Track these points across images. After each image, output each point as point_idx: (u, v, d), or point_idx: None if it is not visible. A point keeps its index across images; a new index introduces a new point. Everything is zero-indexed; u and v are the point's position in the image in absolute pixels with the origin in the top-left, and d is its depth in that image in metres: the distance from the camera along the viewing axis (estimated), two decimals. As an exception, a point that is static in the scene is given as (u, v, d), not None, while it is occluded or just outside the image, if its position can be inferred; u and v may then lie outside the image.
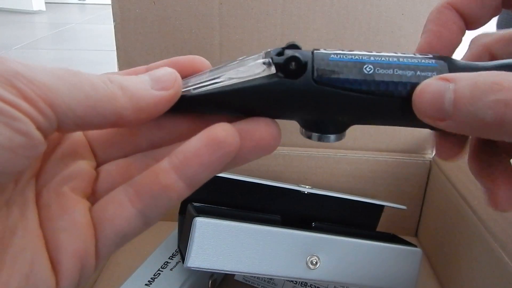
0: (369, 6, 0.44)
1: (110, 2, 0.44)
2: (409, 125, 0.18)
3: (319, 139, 0.19)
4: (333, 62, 0.17)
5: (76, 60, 1.39)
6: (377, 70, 0.17)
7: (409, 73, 0.17)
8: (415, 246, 0.39)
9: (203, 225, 0.32)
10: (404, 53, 0.18)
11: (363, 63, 0.17)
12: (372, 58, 0.17)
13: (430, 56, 0.18)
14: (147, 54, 0.45)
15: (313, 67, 0.17)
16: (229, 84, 0.17)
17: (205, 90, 0.18)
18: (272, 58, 0.17)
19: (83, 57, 1.44)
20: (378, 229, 0.46)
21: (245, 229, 0.33)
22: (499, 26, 1.59)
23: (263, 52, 0.18)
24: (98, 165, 0.19)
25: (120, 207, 0.17)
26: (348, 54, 0.17)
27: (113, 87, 0.16)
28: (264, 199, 0.41)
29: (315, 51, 0.17)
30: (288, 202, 0.41)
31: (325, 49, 0.18)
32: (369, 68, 0.17)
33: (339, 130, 0.19)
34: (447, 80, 0.15)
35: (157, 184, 0.17)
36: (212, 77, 0.18)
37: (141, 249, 0.42)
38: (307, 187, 0.42)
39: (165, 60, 0.19)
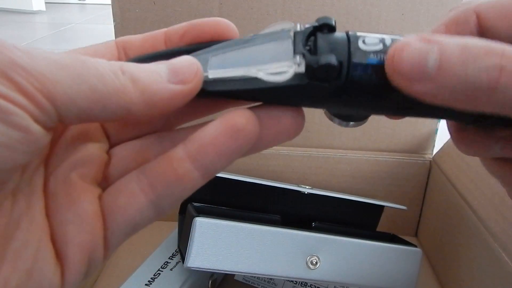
0: (369, 6, 0.44)
1: (110, 2, 0.44)
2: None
3: (340, 124, 0.18)
4: (371, 67, 0.15)
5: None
6: None
7: None
8: (415, 246, 0.39)
9: (203, 225, 0.32)
10: None
11: None
12: None
13: None
14: (147, 54, 0.45)
15: (348, 69, 0.15)
16: (252, 82, 0.16)
17: (226, 87, 0.16)
18: (304, 56, 0.15)
19: (83, 57, 1.44)
20: (378, 229, 0.46)
21: (245, 229, 0.33)
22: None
23: (291, 31, 0.16)
24: (111, 146, 0.18)
25: (132, 196, 0.16)
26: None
27: (124, 79, 0.14)
28: (264, 199, 0.41)
29: (352, 46, 0.15)
30: (288, 202, 0.41)
31: (363, 34, 0.15)
32: None
33: (362, 119, 0.18)
34: (429, 41, 0.14)
35: (172, 173, 0.16)
36: (235, 71, 0.16)
37: (141, 249, 0.42)
38: (307, 187, 0.42)
39: (186, 23, 0.18)
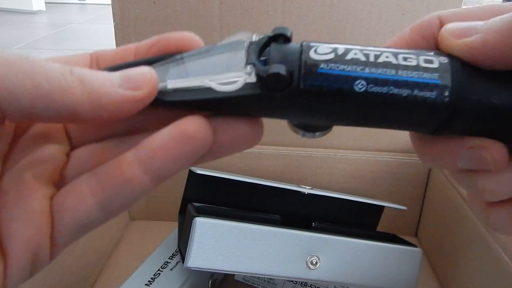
0: (369, 6, 0.44)
1: (110, 2, 0.44)
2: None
3: (305, 135, 0.18)
4: (322, 76, 0.15)
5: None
6: (370, 87, 0.15)
7: (405, 92, 0.15)
8: (415, 246, 0.39)
9: (203, 225, 0.32)
10: (407, 52, 0.16)
11: (355, 78, 0.15)
12: (367, 71, 0.15)
13: (435, 65, 0.15)
14: (147, 54, 0.45)
15: (299, 79, 0.15)
16: (207, 92, 0.16)
17: (183, 97, 0.16)
18: (255, 66, 0.15)
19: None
20: (378, 229, 0.46)
21: (245, 229, 0.33)
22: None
23: (246, 41, 0.16)
24: (73, 148, 0.18)
25: (80, 197, 0.16)
26: (340, 63, 0.15)
27: (71, 79, 0.15)
28: (264, 199, 0.41)
29: (303, 56, 0.16)
30: (288, 202, 0.41)
31: (315, 44, 0.16)
32: (362, 85, 0.15)
33: (325, 129, 0.18)
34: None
35: (120, 176, 0.16)
36: (191, 82, 0.16)
37: (141, 249, 0.42)
38: (307, 187, 0.42)
39: (154, 37, 0.18)
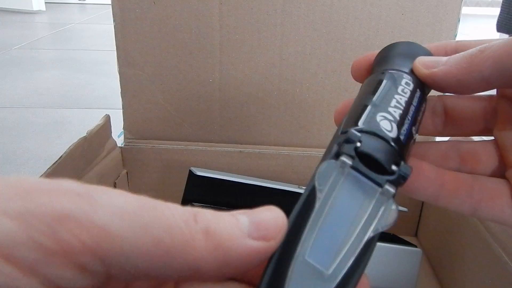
0: (369, 6, 0.44)
1: (110, 2, 0.44)
2: None
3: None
4: None
5: (76, 60, 1.39)
6: None
7: None
8: (415, 246, 0.39)
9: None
10: None
11: None
12: None
13: None
14: (147, 54, 0.45)
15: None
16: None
17: None
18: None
19: (83, 57, 1.44)
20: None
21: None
22: (499, 25, 1.59)
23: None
24: None
25: None
26: None
27: (195, 229, 0.12)
28: (264, 200, 0.41)
29: None
30: (288, 202, 0.41)
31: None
32: None
33: None
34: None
35: None
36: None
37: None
38: (307, 187, 0.42)
39: None
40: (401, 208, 0.43)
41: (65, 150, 0.38)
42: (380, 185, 0.15)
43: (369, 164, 0.15)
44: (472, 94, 0.20)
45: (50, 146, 0.79)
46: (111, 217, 0.11)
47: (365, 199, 0.15)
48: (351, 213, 0.15)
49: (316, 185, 0.15)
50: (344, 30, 0.45)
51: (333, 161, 0.15)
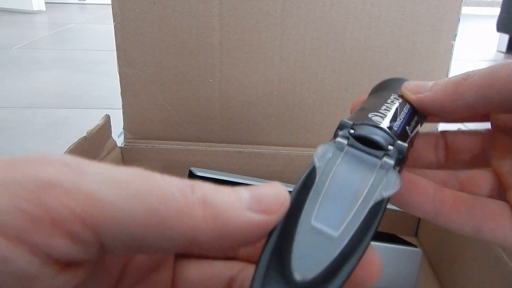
0: (369, 6, 0.44)
1: (110, 2, 0.44)
2: None
3: None
4: None
5: (76, 60, 1.39)
6: None
7: None
8: (415, 246, 0.39)
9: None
10: None
11: None
12: None
13: None
14: (147, 54, 0.45)
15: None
16: None
17: None
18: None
19: (83, 57, 1.44)
20: (378, 229, 0.46)
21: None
22: (499, 26, 1.59)
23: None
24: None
25: None
26: None
27: (192, 199, 0.12)
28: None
29: None
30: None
31: None
32: None
33: None
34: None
35: None
36: None
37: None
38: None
39: None
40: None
41: (65, 150, 0.38)
42: (378, 157, 0.15)
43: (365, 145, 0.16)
44: (471, 130, 0.22)
45: (50, 146, 0.79)
46: (99, 185, 0.11)
47: (366, 170, 0.15)
48: (353, 183, 0.15)
49: (316, 162, 0.15)
50: (344, 30, 0.45)
51: (330, 142, 0.16)
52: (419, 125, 0.20)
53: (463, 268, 0.40)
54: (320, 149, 0.16)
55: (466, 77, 0.18)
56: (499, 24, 1.62)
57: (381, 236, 0.42)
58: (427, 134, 0.22)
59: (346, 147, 0.16)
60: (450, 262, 0.43)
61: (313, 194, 0.15)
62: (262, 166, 0.50)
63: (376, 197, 0.14)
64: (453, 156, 0.22)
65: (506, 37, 1.67)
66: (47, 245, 0.11)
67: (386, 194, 0.15)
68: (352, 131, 0.16)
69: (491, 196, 0.20)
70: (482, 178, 0.20)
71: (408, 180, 0.18)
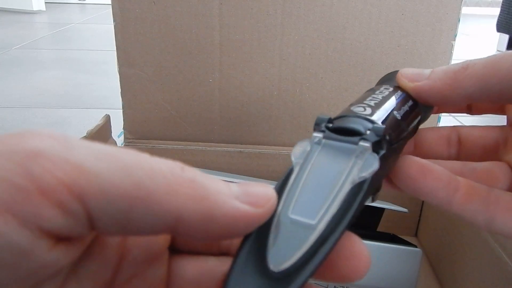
0: (369, 6, 0.44)
1: (110, 2, 0.44)
2: None
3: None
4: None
5: (76, 60, 1.39)
6: None
7: None
8: (415, 246, 0.39)
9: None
10: None
11: None
12: None
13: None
14: (147, 54, 0.45)
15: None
16: None
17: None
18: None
19: (83, 57, 1.44)
20: (378, 229, 0.46)
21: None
22: (499, 26, 1.59)
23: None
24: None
25: None
26: None
27: (181, 177, 0.12)
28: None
29: None
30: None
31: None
32: None
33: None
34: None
35: None
36: None
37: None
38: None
39: None
40: (401, 208, 0.43)
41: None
42: (355, 143, 0.15)
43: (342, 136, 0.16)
44: (485, 126, 0.21)
45: (50, 146, 0.79)
46: (86, 156, 0.11)
47: (344, 157, 0.15)
48: (331, 171, 0.15)
49: (293, 160, 0.16)
50: (344, 30, 0.45)
51: (307, 139, 0.16)
52: (418, 112, 0.19)
53: (463, 268, 0.40)
54: (297, 147, 0.16)
55: (466, 66, 0.17)
56: (499, 24, 1.62)
57: (381, 236, 0.42)
58: (440, 128, 0.22)
59: (323, 140, 0.16)
60: (450, 262, 0.43)
61: (290, 189, 0.15)
62: (262, 166, 0.50)
63: (354, 180, 0.14)
64: (465, 150, 0.21)
65: (506, 37, 1.67)
66: (37, 216, 0.11)
67: (363, 174, 0.15)
68: (330, 125, 0.16)
69: (508, 190, 0.19)
70: (500, 171, 0.20)
71: (422, 166, 0.18)
